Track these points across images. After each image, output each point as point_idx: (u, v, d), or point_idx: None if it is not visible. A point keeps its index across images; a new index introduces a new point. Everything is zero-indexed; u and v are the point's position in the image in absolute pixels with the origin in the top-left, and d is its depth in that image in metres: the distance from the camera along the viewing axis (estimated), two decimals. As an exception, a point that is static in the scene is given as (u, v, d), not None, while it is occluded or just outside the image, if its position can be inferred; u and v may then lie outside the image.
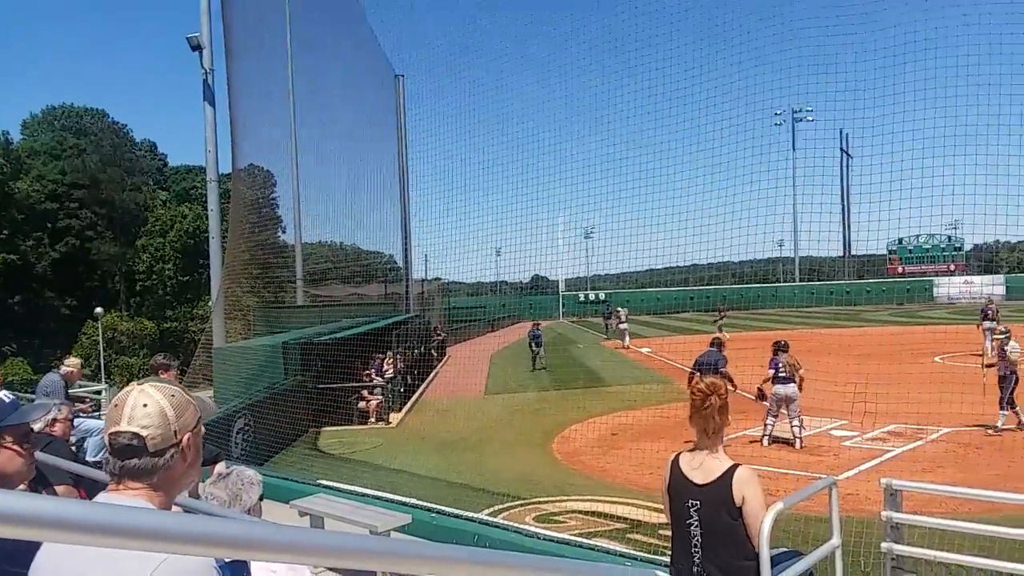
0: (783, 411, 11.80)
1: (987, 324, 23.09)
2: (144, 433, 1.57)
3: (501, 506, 8.94)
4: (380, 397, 16.72)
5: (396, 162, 23.78)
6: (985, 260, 71.89)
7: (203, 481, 3.19)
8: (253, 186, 21.69)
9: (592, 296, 63.52)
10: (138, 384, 1.67)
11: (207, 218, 17.04)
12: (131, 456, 1.57)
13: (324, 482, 8.78)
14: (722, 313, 37.04)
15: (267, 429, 13.10)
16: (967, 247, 69.75)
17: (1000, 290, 59.25)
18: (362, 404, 16.50)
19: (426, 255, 26.86)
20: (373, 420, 16.29)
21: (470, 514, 7.43)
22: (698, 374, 11.09)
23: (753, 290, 67.00)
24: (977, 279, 63.89)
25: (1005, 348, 12.29)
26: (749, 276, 76.76)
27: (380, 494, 8.03)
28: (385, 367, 17.65)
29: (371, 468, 11.69)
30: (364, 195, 23.90)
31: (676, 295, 61.47)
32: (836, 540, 3.93)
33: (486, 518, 7.58)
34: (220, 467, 4.60)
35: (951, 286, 63.17)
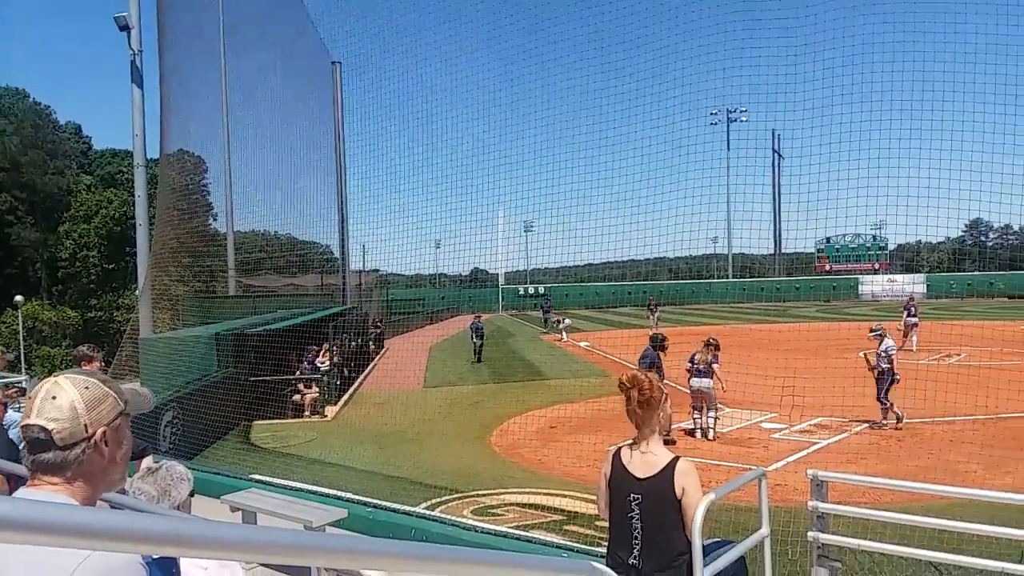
0: (705, 404, 12.15)
1: (909, 320, 24.19)
2: (50, 427, 1.51)
3: (439, 499, 8.91)
4: (316, 390, 16.45)
5: (333, 151, 23.37)
6: (907, 259, 75.09)
7: (131, 476, 3.08)
8: (183, 172, 20.99)
9: (532, 290, 63.82)
10: (54, 376, 1.60)
11: (134, 204, 16.44)
12: (41, 450, 1.52)
13: (257, 477, 8.59)
14: (654, 307, 37.76)
15: (197, 422, 12.74)
16: (891, 247, 72.78)
17: (921, 288, 61.98)
18: (297, 397, 16.21)
19: (364, 246, 26.56)
20: (308, 414, 16.02)
21: (407, 508, 7.38)
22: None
23: (688, 286, 68.49)
24: (900, 277, 66.69)
25: (880, 347, 12.80)
26: (685, 272, 78.50)
27: (315, 488, 7.90)
28: (321, 359, 17.36)
29: (306, 462, 11.50)
30: (300, 184, 23.45)
31: (614, 290, 62.38)
32: (765, 530, 4.04)
33: (424, 512, 7.53)
34: (148, 461, 4.46)
35: (875, 284, 65.77)
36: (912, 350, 22.97)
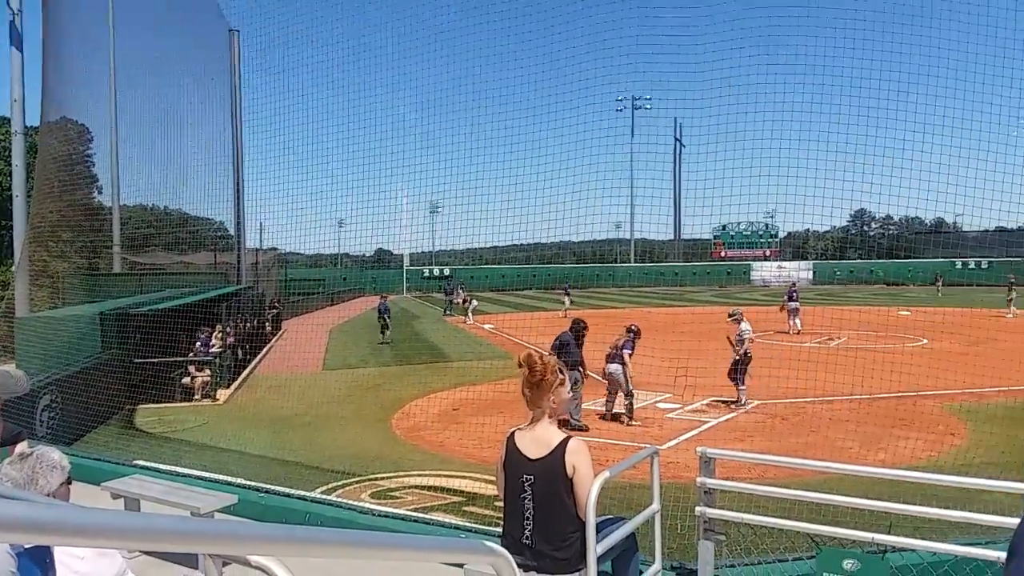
0: (619, 389, 12.30)
1: (791, 305, 25.49)
2: None
3: (336, 484, 8.75)
4: (207, 373, 15.79)
5: (230, 124, 22.35)
6: (796, 247, 79.12)
7: (1, 461, 2.88)
8: (65, 141, 19.59)
9: (437, 271, 63.51)
10: None
11: (10, 174, 15.25)
12: None
13: (141, 463, 8.17)
14: (568, 291, 38.27)
15: (78, 406, 12.00)
16: (781, 235, 76.51)
17: (808, 275, 65.55)
18: (187, 380, 15.52)
19: (261, 224, 25.64)
20: (198, 397, 15.37)
21: (301, 493, 7.20)
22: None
23: (592, 269, 69.85)
24: (789, 264, 70.24)
25: (738, 330, 13.39)
26: (589, 256, 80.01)
27: (205, 474, 7.59)
28: (213, 341, 16.68)
29: (196, 448, 11.04)
30: (193, 158, 22.29)
31: (520, 272, 62.85)
32: (656, 505, 4.15)
33: (319, 496, 7.37)
34: (22, 447, 4.14)
35: (766, 270, 69.00)
36: (794, 333, 24.29)
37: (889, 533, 4.05)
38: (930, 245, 68.82)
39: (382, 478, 9.19)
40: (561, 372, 3.75)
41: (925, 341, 22.28)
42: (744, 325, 13.39)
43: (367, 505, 7.31)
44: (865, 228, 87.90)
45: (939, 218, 72.01)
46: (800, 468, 7.60)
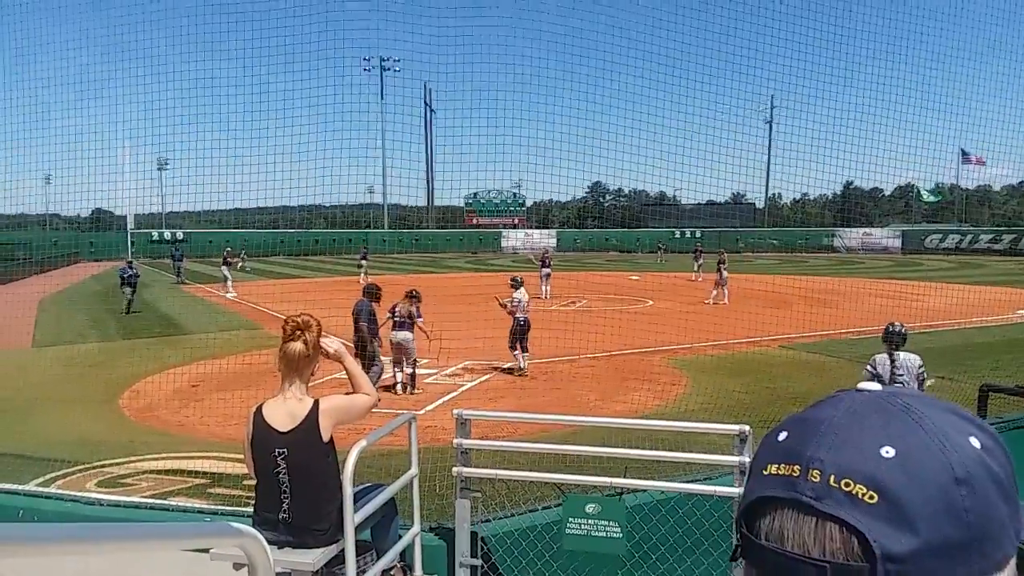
0: (405, 358, 11.92)
1: (544, 271, 27.02)
2: None
3: (56, 474, 7.73)
4: None
5: None
6: (542, 216, 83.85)
7: None
8: None
9: (168, 235, 58.08)
10: None
11: None
12: None
13: None
14: (364, 256, 36.35)
15: None
16: (528, 204, 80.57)
17: (552, 242, 69.84)
18: None
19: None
20: None
21: (12, 487, 6.21)
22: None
23: (345, 234, 68.35)
24: (535, 232, 74.25)
25: (512, 297, 13.44)
26: (341, 221, 78.15)
27: None
28: None
29: None
30: None
31: (266, 237, 59.54)
32: (414, 470, 4.13)
33: (35, 489, 6.43)
34: None
35: (514, 238, 72.32)
36: (544, 298, 25.78)
37: (625, 476, 4.39)
38: (655, 216, 76.84)
39: (111, 464, 8.28)
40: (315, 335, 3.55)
41: (651, 302, 24.80)
42: (518, 293, 13.35)
43: (93, 495, 6.53)
44: (601, 199, 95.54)
45: (661, 192, 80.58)
46: (548, 423, 8.11)
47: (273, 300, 22.25)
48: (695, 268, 33.56)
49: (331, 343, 3.66)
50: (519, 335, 13.12)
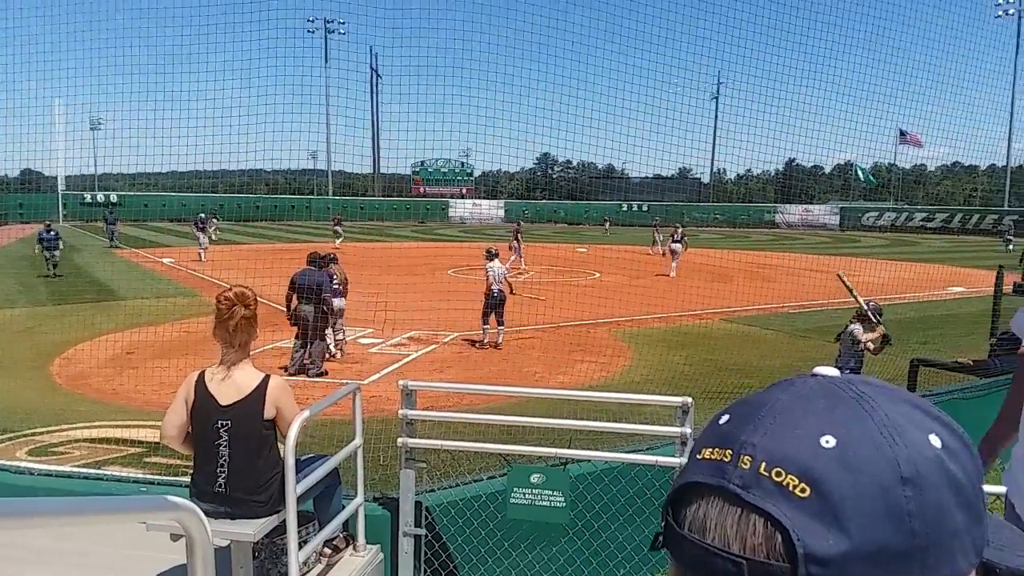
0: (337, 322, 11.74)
1: (516, 243, 27.03)
2: None
3: (-17, 441, 7.45)
4: None
5: None
6: (490, 186, 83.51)
7: None
8: None
9: (101, 197, 55.90)
10: None
11: None
12: None
13: None
14: (337, 221, 35.36)
15: None
16: (477, 173, 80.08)
17: (500, 213, 69.69)
18: None
19: None
20: None
21: (-68, 458, 5.97)
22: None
23: (288, 200, 66.96)
24: (484, 203, 73.91)
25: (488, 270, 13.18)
26: (283, 187, 76.43)
27: None
28: None
29: None
30: None
31: (204, 201, 57.74)
32: (358, 440, 4.09)
33: (-39, 458, 6.19)
34: None
35: (462, 208, 71.87)
36: (522, 269, 25.89)
37: (569, 447, 4.44)
38: (603, 189, 77.30)
39: (41, 432, 8.02)
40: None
41: (597, 275, 25.03)
42: (490, 264, 12.98)
43: (24, 464, 6.33)
44: (549, 171, 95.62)
45: (610, 164, 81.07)
46: (493, 394, 8.14)
47: (207, 266, 21.73)
48: (653, 242, 33.89)
49: None
50: (494, 307, 12.90)
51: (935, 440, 0.56)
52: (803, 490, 0.53)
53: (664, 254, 27.12)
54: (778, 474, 0.54)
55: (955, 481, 0.55)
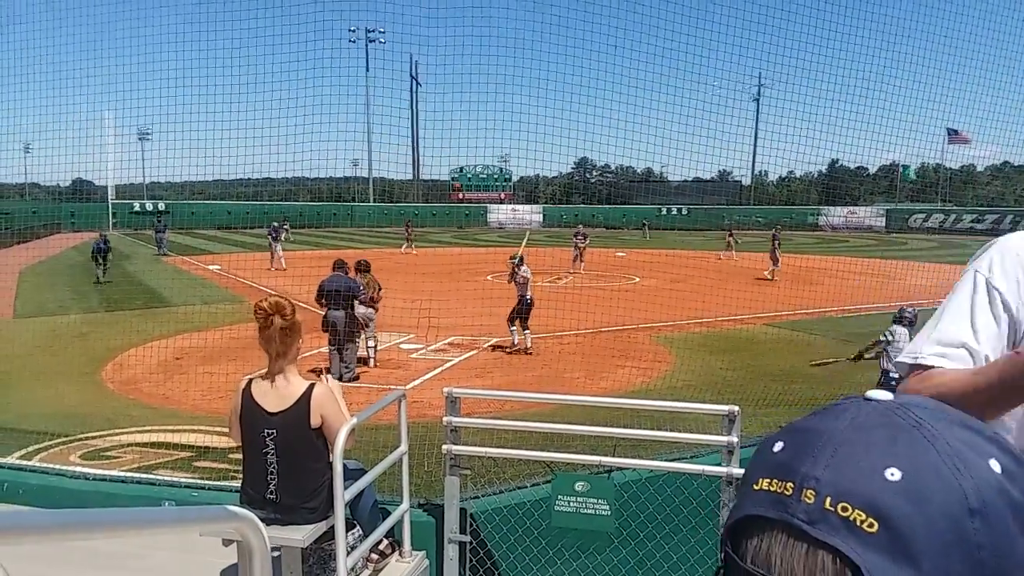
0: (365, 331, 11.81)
1: (579, 240, 27.27)
2: None
3: (38, 446, 7.68)
4: None
5: None
6: (528, 191, 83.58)
7: None
8: None
9: (150, 206, 57.31)
10: None
11: None
12: None
13: None
14: (408, 228, 37.03)
15: None
16: (515, 179, 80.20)
17: (539, 218, 69.65)
18: None
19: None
20: None
21: (-6, 459, 6.17)
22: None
23: (330, 207, 67.83)
24: (522, 207, 73.94)
25: (517, 272, 13.18)
26: (326, 194, 77.48)
27: None
28: None
29: None
30: None
31: (248, 209, 58.84)
32: (404, 447, 4.13)
33: (17, 462, 6.38)
34: None
35: (501, 212, 71.97)
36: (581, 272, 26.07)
37: (613, 455, 4.41)
38: (641, 192, 76.77)
39: (94, 437, 8.24)
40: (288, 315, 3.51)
41: (637, 279, 24.86)
42: (522, 269, 13.02)
43: (78, 469, 6.49)
44: (587, 175, 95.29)
45: (648, 168, 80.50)
46: (535, 401, 8.13)
47: (253, 273, 22.12)
48: (727, 246, 33.94)
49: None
50: (522, 313, 12.91)
51: (995, 465, 0.54)
52: (871, 525, 0.52)
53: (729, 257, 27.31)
54: (844, 509, 0.53)
55: (1017, 506, 0.54)
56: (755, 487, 0.58)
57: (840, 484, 0.54)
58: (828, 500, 0.53)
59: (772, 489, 0.57)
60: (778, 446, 0.60)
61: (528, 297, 12.93)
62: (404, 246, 35.93)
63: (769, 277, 24.55)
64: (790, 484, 0.56)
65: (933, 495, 0.52)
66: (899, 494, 0.52)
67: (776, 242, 25.72)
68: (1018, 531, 0.53)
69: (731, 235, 34.96)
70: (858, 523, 0.52)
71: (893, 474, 0.53)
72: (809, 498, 0.54)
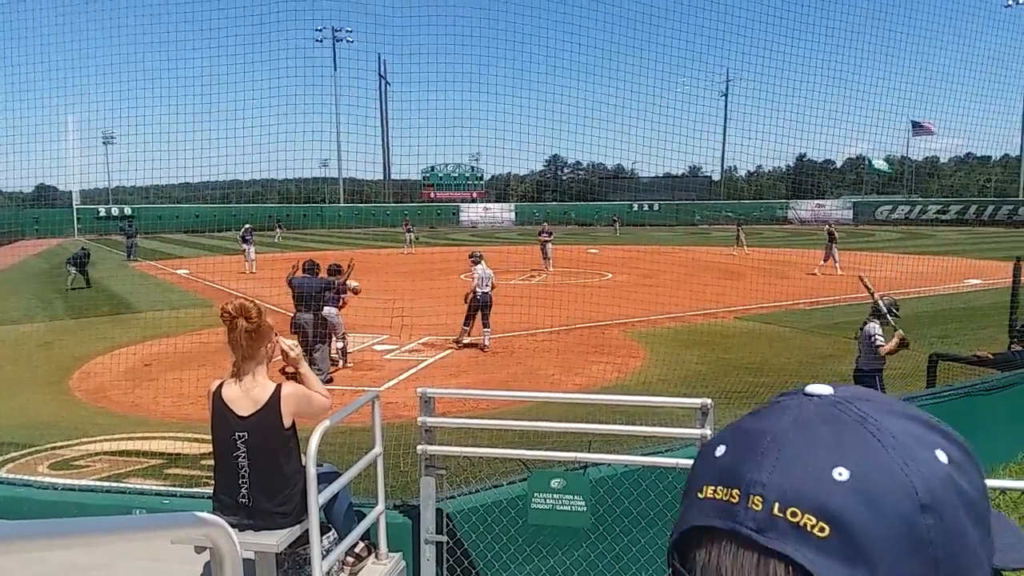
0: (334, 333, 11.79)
1: (544, 238, 27.10)
2: None
3: (4, 457, 7.51)
4: None
5: None
6: (500, 189, 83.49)
7: None
8: None
9: (116, 211, 56.31)
10: None
11: None
12: None
13: None
14: (409, 228, 36.68)
15: None
16: (486, 177, 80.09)
17: (511, 216, 69.67)
18: None
19: None
20: None
21: (-42, 473, 6.03)
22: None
23: (300, 209, 67.15)
24: (494, 206, 73.86)
25: (474, 269, 13.13)
26: (295, 195, 76.73)
27: None
28: None
29: None
30: None
31: (216, 212, 58.04)
32: (378, 448, 4.10)
33: (-16, 474, 6.25)
34: None
35: (473, 212, 71.85)
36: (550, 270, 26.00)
37: (589, 451, 4.42)
38: (612, 189, 77.14)
39: (62, 446, 8.07)
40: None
41: (609, 275, 24.97)
42: (477, 268, 13.03)
43: (47, 479, 6.37)
44: (559, 173, 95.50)
45: (619, 165, 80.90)
46: (513, 399, 8.13)
47: (222, 277, 21.84)
48: (737, 240, 34.06)
49: (292, 348, 3.64)
50: (479, 309, 12.97)
51: (942, 456, 0.54)
52: (822, 529, 0.50)
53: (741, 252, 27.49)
54: (793, 514, 0.51)
55: (966, 498, 0.53)
56: (700, 495, 0.57)
57: (787, 488, 0.52)
58: (776, 506, 0.52)
59: (718, 497, 0.55)
60: (720, 450, 0.58)
61: (481, 292, 12.90)
62: (405, 247, 35.72)
63: (817, 273, 23.54)
64: (736, 491, 0.54)
65: (883, 494, 0.51)
66: (848, 495, 0.51)
67: (741, 231, 26.30)
68: (970, 523, 0.52)
69: (740, 228, 35.14)
70: (808, 528, 0.51)
71: (841, 474, 0.52)
72: (756, 505, 0.52)
